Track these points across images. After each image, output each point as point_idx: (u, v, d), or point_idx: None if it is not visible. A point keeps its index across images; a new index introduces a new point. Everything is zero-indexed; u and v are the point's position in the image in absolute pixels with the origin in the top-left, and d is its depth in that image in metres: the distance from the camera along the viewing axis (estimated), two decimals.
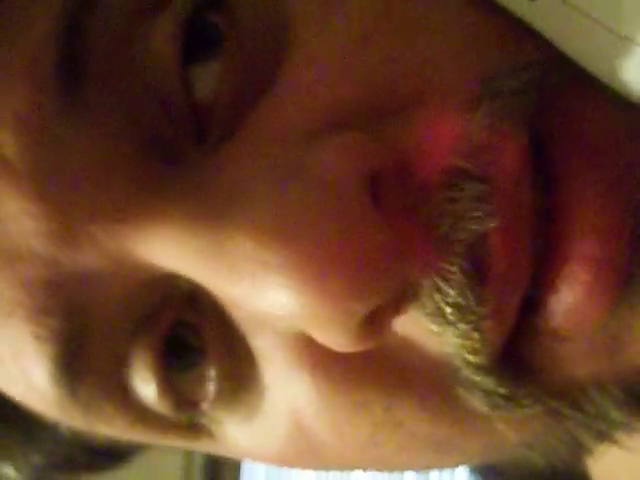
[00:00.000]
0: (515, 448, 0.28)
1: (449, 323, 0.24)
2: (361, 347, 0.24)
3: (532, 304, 0.24)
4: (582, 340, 0.25)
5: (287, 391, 0.26)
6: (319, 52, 0.25)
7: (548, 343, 0.25)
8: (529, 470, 0.33)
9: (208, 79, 0.25)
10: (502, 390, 0.25)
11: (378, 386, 0.26)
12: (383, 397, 0.26)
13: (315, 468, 0.31)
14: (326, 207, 0.23)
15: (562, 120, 0.24)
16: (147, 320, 0.26)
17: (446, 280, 0.24)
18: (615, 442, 0.28)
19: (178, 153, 0.25)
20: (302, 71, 0.25)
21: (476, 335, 0.24)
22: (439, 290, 0.24)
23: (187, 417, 0.28)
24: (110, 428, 0.29)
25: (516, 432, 0.27)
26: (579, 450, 0.28)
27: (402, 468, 0.30)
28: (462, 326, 0.24)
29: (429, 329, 0.24)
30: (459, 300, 0.24)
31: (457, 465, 0.31)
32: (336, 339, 0.24)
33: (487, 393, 0.25)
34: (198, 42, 0.25)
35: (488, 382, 0.25)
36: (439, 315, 0.24)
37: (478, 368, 0.25)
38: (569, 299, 0.24)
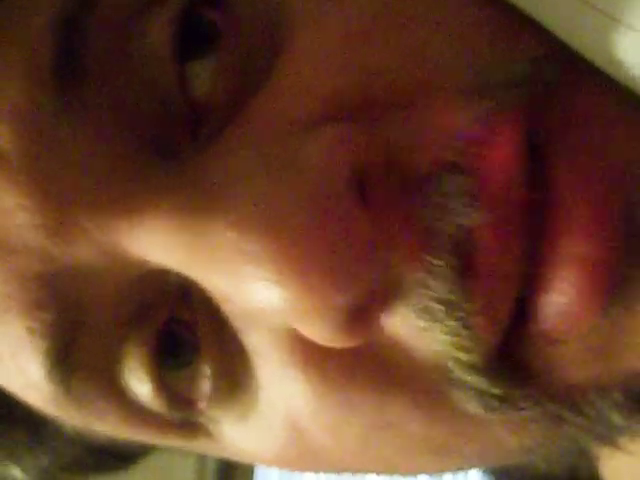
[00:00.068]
0: (516, 452, 0.28)
1: (436, 319, 0.24)
2: (349, 342, 0.24)
3: (525, 306, 0.24)
4: (577, 343, 0.25)
5: (281, 390, 0.26)
6: (314, 47, 0.25)
7: (542, 346, 0.25)
8: (541, 474, 0.32)
9: (205, 76, 0.25)
10: (496, 391, 0.25)
11: (369, 385, 0.26)
12: (375, 397, 0.26)
13: (316, 470, 0.31)
14: (311, 198, 0.23)
15: (559, 116, 0.24)
16: (141, 316, 0.26)
17: (432, 274, 0.23)
18: (617, 447, 0.27)
19: (173, 149, 0.25)
20: (296, 65, 0.25)
21: (465, 332, 0.24)
22: (425, 285, 0.23)
23: (183, 415, 0.28)
24: (105, 425, 0.29)
25: (515, 436, 0.26)
26: (581, 455, 0.28)
27: (404, 470, 0.30)
28: (449, 322, 0.24)
29: (419, 326, 0.24)
30: (445, 295, 0.23)
31: (459, 468, 0.30)
32: (321, 333, 0.24)
33: (480, 394, 0.25)
34: (196, 39, 0.25)
35: (480, 382, 0.25)
36: (426, 311, 0.24)
37: (469, 367, 0.24)
38: (561, 301, 0.23)
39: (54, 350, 0.26)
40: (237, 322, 0.26)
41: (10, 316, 0.26)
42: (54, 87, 0.25)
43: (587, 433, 0.26)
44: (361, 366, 0.25)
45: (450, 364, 0.25)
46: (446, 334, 0.24)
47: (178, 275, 0.25)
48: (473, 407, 0.25)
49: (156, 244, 0.24)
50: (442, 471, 0.30)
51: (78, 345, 0.26)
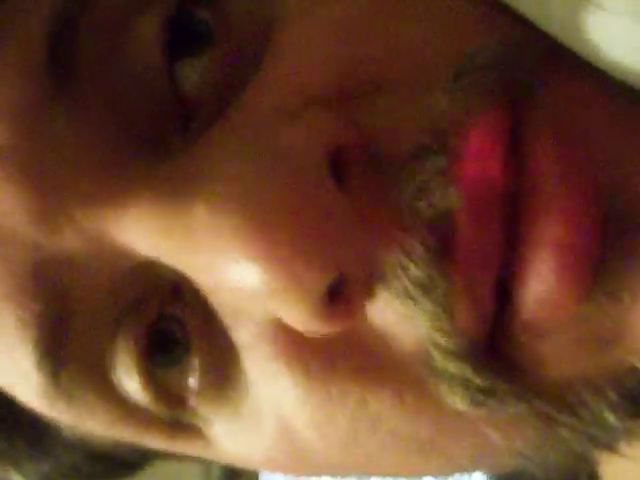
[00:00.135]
0: (507, 455, 0.27)
1: (415, 302, 0.24)
2: (329, 327, 0.24)
3: (507, 296, 0.24)
4: (563, 335, 0.24)
5: (269, 385, 0.26)
6: (300, 41, 0.25)
7: (527, 338, 0.24)
8: None
9: (195, 74, 0.26)
10: (480, 381, 0.24)
11: (353, 378, 0.26)
12: (358, 389, 0.26)
13: (306, 473, 0.31)
14: (285, 178, 0.23)
15: (539, 102, 0.24)
16: (131, 311, 0.27)
17: (409, 256, 0.23)
18: (615, 451, 0.27)
19: (164, 143, 0.26)
20: (282, 59, 0.25)
21: (444, 315, 0.24)
22: (403, 267, 0.24)
23: (173, 413, 0.28)
24: (96, 422, 0.29)
25: (503, 436, 0.26)
26: (577, 460, 0.28)
27: (390, 471, 0.30)
28: (428, 305, 0.24)
29: (400, 312, 0.24)
30: (423, 276, 0.23)
31: (449, 471, 0.30)
32: (299, 314, 0.24)
33: (465, 385, 0.25)
34: (188, 38, 0.26)
35: (463, 370, 0.24)
36: (405, 294, 0.24)
37: (449, 352, 0.24)
38: (539, 288, 0.23)
39: (43, 340, 0.27)
40: (225, 317, 0.26)
41: (1, 305, 0.26)
42: (47, 84, 0.25)
43: (581, 435, 0.26)
44: (345, 358, 0.26)
45: (431, 350, 0.24)
46: (426, 317, 0.24)
47: (169, 269, 0.26)
48: (458, 400, 0.25)
49: (139, 232, 0.25)
50: (431, 474, 0.30)
51: (68, 337, 0.27)
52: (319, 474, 0.32)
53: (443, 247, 0.23)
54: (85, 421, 0.29)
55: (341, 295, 0.24)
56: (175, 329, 0.27)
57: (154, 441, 0.30)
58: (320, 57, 0.25)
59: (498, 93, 0.24)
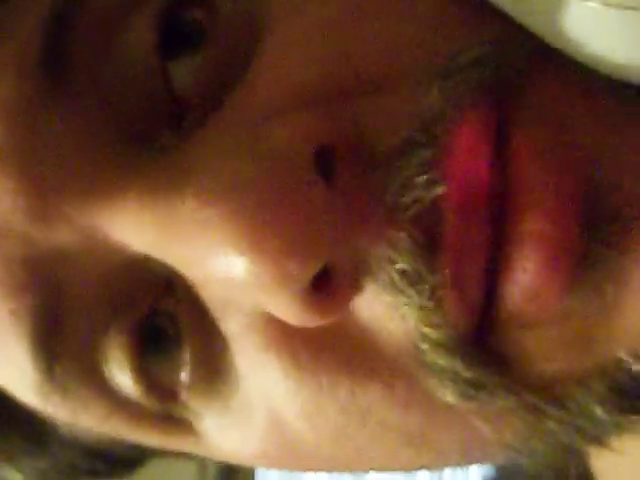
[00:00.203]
0: (498, 448, 0.28)
1: (402, 294, 0.24)
2: (314, 319, 0.25)
3: (494, 289, 0.24)
4: (549, 329, 0.25)
5: (259, 377, 0.27)
6: (288, 39, 0.26)
7: (514, 332, 0.25)
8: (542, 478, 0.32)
9: (188, 73, 0.27)
10: (469, 374, 0.25)
11: (343, 369, 0.26)
12: (348, 381, 0.26)
13: (299, 467, 0.32)
14: (270, 172, 0.24)
15: (525, 101, 0.25)
16: (123, 305, 0.27)
17: (395, 248, 0.24)
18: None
19: (155, 140, 0.26)
20: (271, 57, 0.26)
21: (432, 306, 0.24)
22: (389, 259, 0.24)
23: (164, 407, 0.28)
24: (90, 417, 0.29)
25: (493, 429, 0.26)
26: (567, 453, 0.28)
27: (381, 465, 0.30)
28: (416, 297, 0.24)
29: (387, 304, 0.25)
30: (409, 268, 0.24)
31: (440, 465, 0.30)
32: (284, 306, 0.24)
33: (454, 379, 0.25)
34: (180, 38, 0.27)
35: (452, 363, 0.25)
36: (392, 286, 0.24)
37: (439, 345, 0.24)
38: (523, 280, 0.24)
39: (37, 334, 0.27)
40: (216, 310, 0.27)
41: None
42: (43, 83, 0.26)
43: (569, 428, 0.26)
44: (335, 349, 0.26)
45: (420, 343, 0.25)
46: (413, 310, 0.24)
47: (161, 264, 0.26)
48: (447, 394, 0.25)
49: (131, 227, 0.25)
50: (422, 467, 0.30)
51: (61, 331, 0.27)
52: (312, 468, 0.32)
53: (430, 241, 0.24)
54: (79, 416, 0.30)
55: (328, 287, 0.24)
56: (167, 324, 0.27)
57: (147, 436, 0.30)
58: (308, 56, 0.26)
59: (486, 91, 0.24)
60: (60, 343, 0.27)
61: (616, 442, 0.28)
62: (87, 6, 0.27)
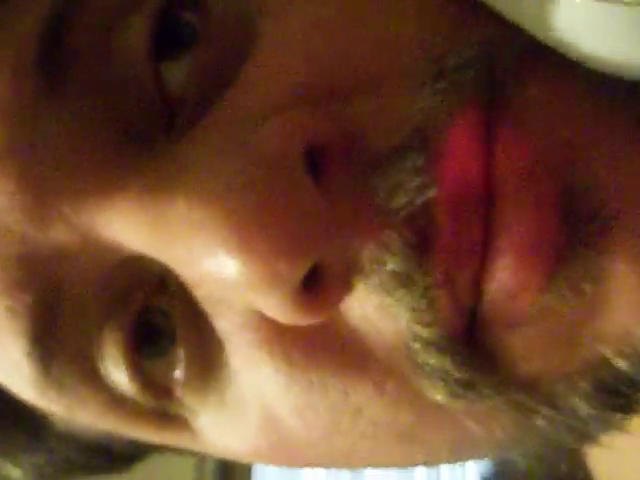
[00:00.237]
0: (488, 445, 0.28)
1: (393, 295, 0.24)
2: (305, 318, 0.25)
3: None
4: (531, 327, 0.25)
5: (252, 374, 0.27)
6: (280, 40, 0.26)
7: (499, 331, 0.25)
8: (540, 478, 0.33)
9: (180, 74, 0.27)
10: (459, 374, 0.25)
11: (334, 368, 0.26)
12: (339, 380, 0.26)
13: (293, 464, 0.32)
14: (260, 172, 0.24)
15: (513, 102, 0.25)
16: (118, 302, 0.27)
17: (386, 249, 0.24)
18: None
19: (149, 140, 0.27)
20: (264, 58, 0.26)
21: (423, 306, 0.24)
22: (380, 260, 0.24)
23: (160, 404, 0.29)
24: (87, 414, 0.30)
25: (482, 427, 0.27)
26: (558, 450, 0.28)
27: (374, 462, 0.31)
28: (406, 297, 0.24)
29: (378, 304, 0.25)
30: (399, 269, 0.24)
31: (433, 462, 0.30)
32: (275, 305, 0.25)
33: (444, 378, 0.25)
34: (173, 40, 0.27)
35: (443, 362, 0.25)
36: (383, 287, 0.25)
37: (430, 344, 0.25)
38: (503, 280, 0.24)
39: (34, 331, 0.27)
40: (209, 308, 0.27)
41: None
42: (40, 83, 0.26)
43: (557, 425, 0.26)
44: (323, 347, 0.26)
45: (411, 342, 0.25)
46: (405, 310, 0.25)
47: (155, 262, 0.26)
48: (437, 393, 0.26)
49: (125, 226, 0.26)
50: (413, 464, 0.31)
51: (57, 328, 0.27)
52: (306, 465, 0.32)
53: (421, 242, 0.24)
54: (76, 412, 0.30)
55: (319, 287, 0.25)
56: (161, 321, 0.28)
57: (143, 432, 0.31)
58: (299, 56, 0.26)
59: (476, 93, 0.25)
60: (56, 340, 0.27)
61: (616, 442, 0.28)
62: (87, 6, 0.27)
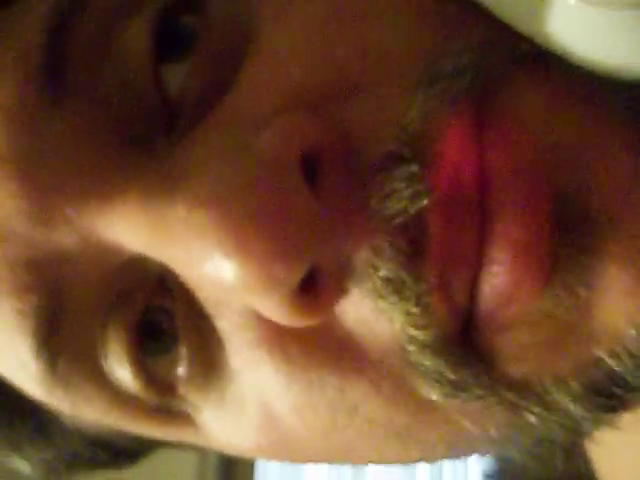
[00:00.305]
0: (482, 443, 0.28)
1: (386, 299, 0.25)
2: (301, 319, 0.25)
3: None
4: (524, 328, 0.25)
5: (252, 373, 0.28)
6: (277, 44, 0.27)
7: (492, 333, 0.25)
8: (542, 475, 0.33)
9: (180, 77, 0.27)
10: (452, 375, 0.25)
11: (332, 367, 0.27)
12: (336, 379, 0.27)
13: (294, 459, 0.32)
14: (257, 177, 0.24)
15: (505, 102, 0.25)
16: (121, 302, 0.28)
17: (379, 255, 0.25)
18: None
19: (149, 142, 0.27)
20: (261, 62, 0.27)
21: (418, 309, 0.25)
22: (373, 265, 0.25)
23: (163, 400, 0.29)
24: (92, 410, 0.30)
25: (477, 425, 0.27)
26: (557, 447, 0.28)
27: (371, 458, 0.31)
28: (400, 302, 0.25)
29: (373, 308, 0.25)
30: (392, 276, 0.25)
31: (428, 458, 0.31)
32: (271, 306, 0.25)
33: (438, 379, 0.26)
34: (174, 43, 0.27)
35: (437, 364, 0.25)
36: (376, 292, 0.25)
37: (425, 346, 0.25)
38: (497, 283, 0.24)
39: (40, 331, 0.28)
40: (210, 307, 0.27)
41: (1, 299, 0.28)
42: (43, 87, 0.27)
43: (550, 423, 0.27)
44: (320, 348, 0.27)
45: (407, 345, 0.25)
46: (399, 313, 0.25)
47: (156, 263, 0.27)
48: (432, 392, 0.26)
49: (126, 228, 0.26)
50: (411, 461, 0.31)
51: (62, 328, 0.28)
52: (307, 460, 0.33)
53: (415, 249, 0.24)
54: (82, 408, 0.30)
55: (315, 290, 0.25)
56: (163, 320, 0.28)
57: (147, 428, 0.31)
58: (297, 59, 0.26)
59: (470, 98, 0.25)
60: (61, 340, 0.28)
61: (616, 442, 0.28)
62: (88, 10, 0.27)
